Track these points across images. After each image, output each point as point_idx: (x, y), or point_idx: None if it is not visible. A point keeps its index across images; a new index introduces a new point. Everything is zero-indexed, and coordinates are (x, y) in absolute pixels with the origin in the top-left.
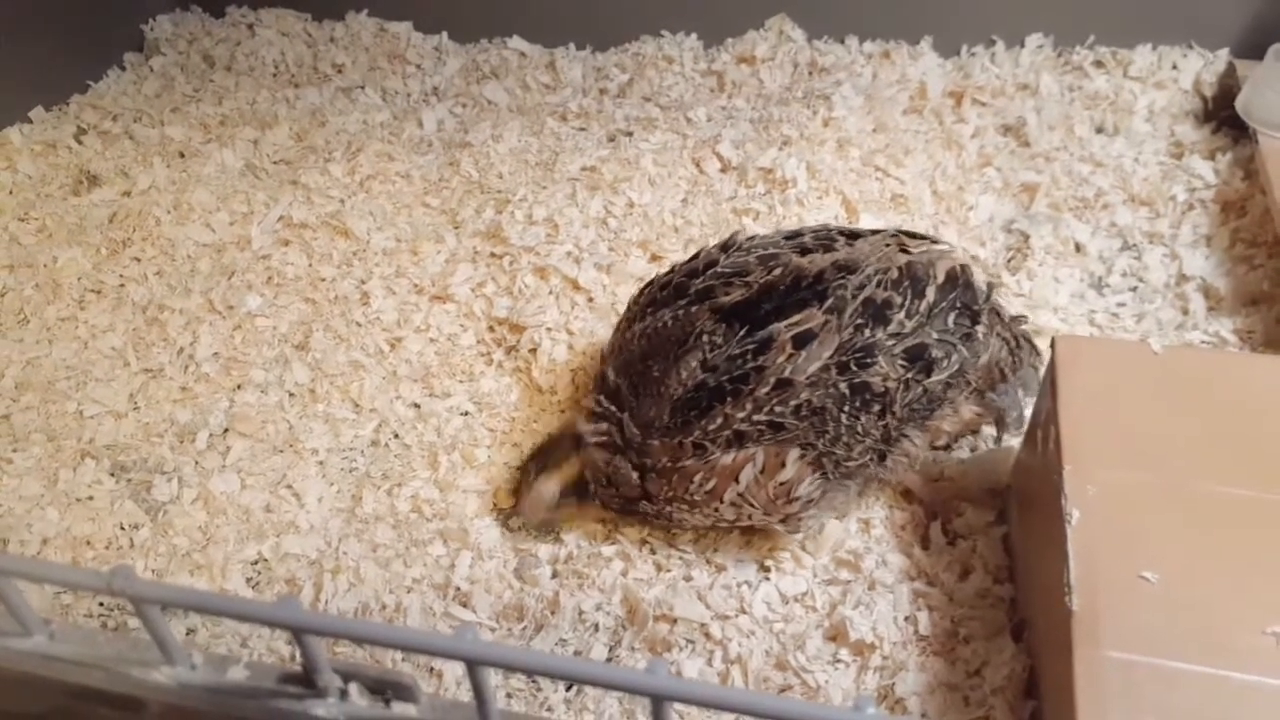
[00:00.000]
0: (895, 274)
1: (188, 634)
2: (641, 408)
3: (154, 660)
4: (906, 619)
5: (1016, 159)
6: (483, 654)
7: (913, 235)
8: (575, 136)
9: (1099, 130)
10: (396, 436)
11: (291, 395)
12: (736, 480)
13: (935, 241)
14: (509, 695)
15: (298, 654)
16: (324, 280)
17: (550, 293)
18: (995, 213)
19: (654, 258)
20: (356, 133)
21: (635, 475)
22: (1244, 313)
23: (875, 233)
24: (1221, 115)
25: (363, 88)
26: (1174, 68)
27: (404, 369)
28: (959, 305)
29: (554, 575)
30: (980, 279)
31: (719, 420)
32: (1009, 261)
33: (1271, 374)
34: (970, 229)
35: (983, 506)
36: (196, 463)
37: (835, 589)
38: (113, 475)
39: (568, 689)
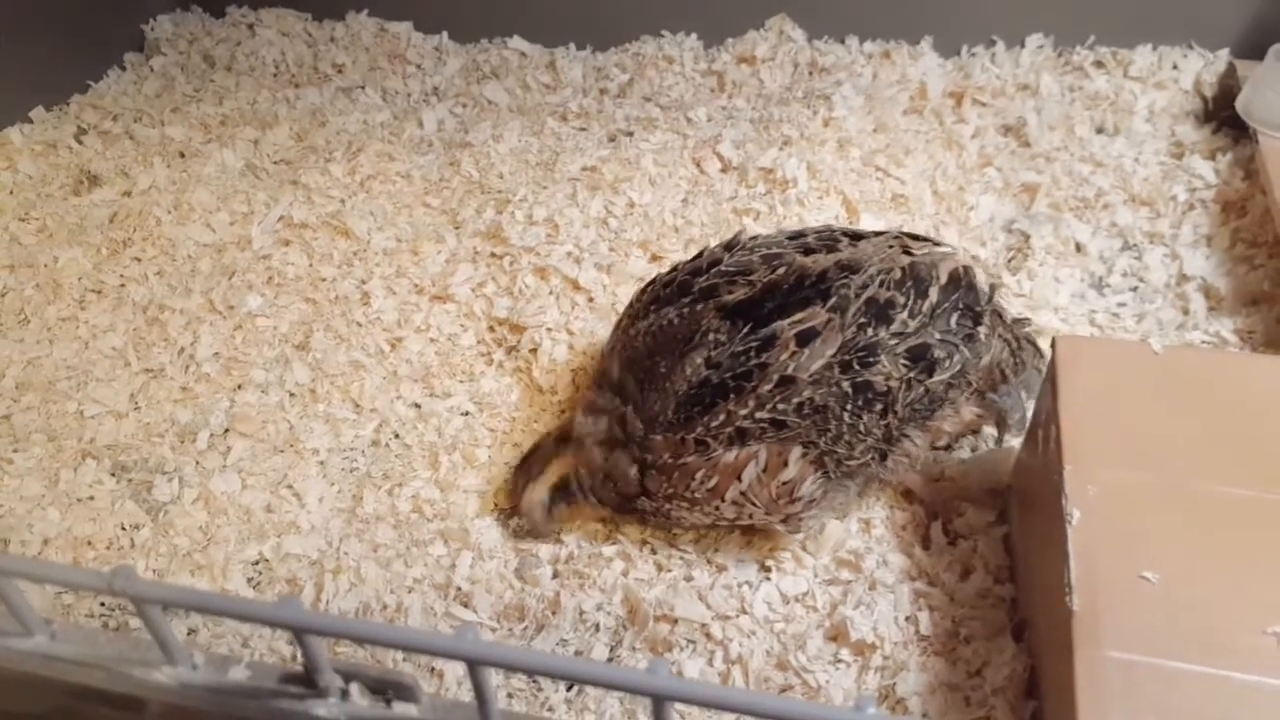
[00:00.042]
0: (898, 274)
1: (189, 634)
2: (646, 403)
3: (155, 660)
4: (907, 619)
5: (1017, 159)
6: (484, 654)
7: (915, 237)
8: (575, 136)
9: (1099, 130)
10: (397, 436)
11: (292, 395)
12: (739, 478)
13: (938, 244)
14: (510, 695)
15: (299, 654)
16: (324, 280)
17: (550, 293)
18: (996, 213)
19: (654, 258)
20: (357, 133)
21: (635, 471)
22: (1244, 313)
23: (878, 234)
24: (1222, 115)
25: (363, 88)
26: (1174, 68)
27: (404, 369)
28: (961, 306)
29: (555, 575)
30: (983, 280)
31: (722, 417)
32: (1009, 261)
33: (1272, 374)
34: (971, 229)
35: (983, 506)
36: (197, 463)
37: (836, 589)
38: (113, 475)
39: (569, 689)
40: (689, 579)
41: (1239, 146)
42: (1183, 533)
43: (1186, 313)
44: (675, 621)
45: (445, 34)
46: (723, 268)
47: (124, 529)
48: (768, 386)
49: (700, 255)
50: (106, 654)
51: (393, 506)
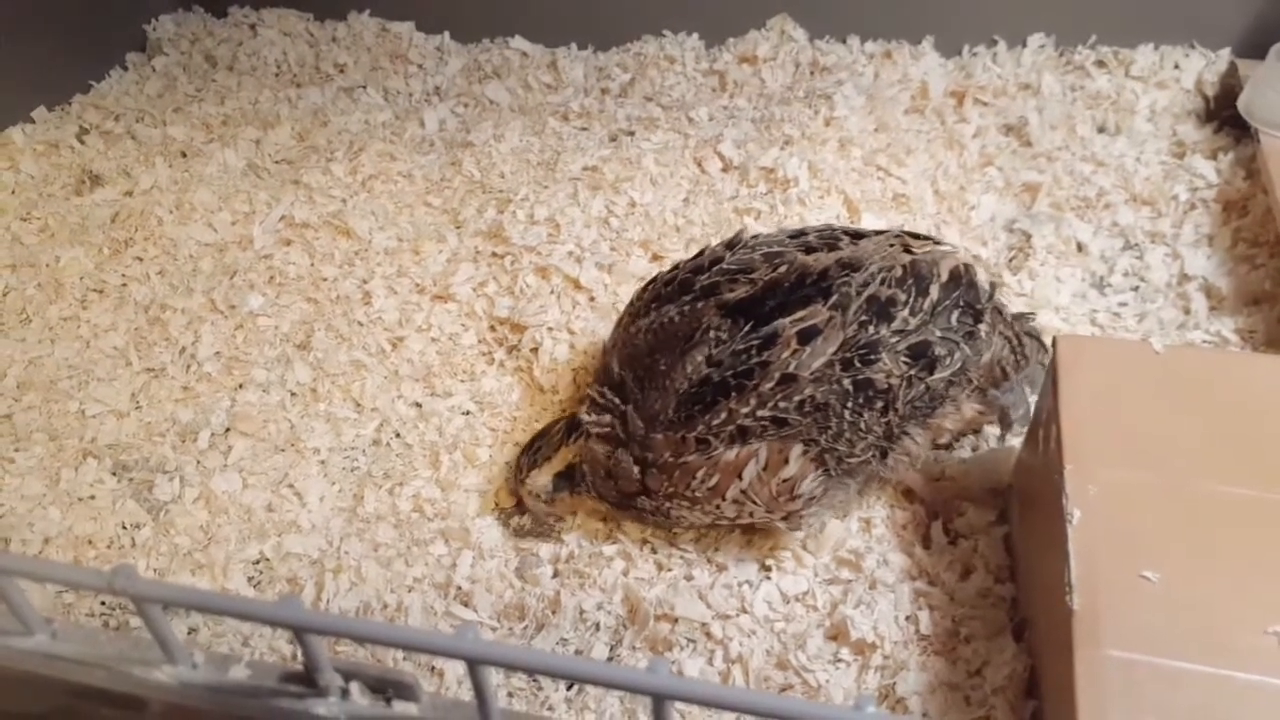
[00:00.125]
0: (899, 272)
1: (189, 633)
2: (646, 401)
3: (156, 659)
4: (907, 618)
5: (1018, 158)
6: (484, 653)
7: (916, 236)
8: (577, 136)
9: (1101, 130)
10: (398, 436)
11: (293, 394)
12: (740, 476)
13: (938, 243)
14: (510, 694)
15: (299, 653)
16: (326, 280)
17: (552, 292)
18: (997, 212)
19: (655, 257)
20: (358, 132)
21: (636, 469)
22: (1246, 312)
23: (879, 233)
24: (1223, 115)
25: (365, 87)
26: (1176, 67)
27: (405, 368)
28: (962, 304)
29: (555, 575)
30: (983, 278)
31: (723, 415)
32: (1011, 261)
33: (1273, 374)
34: (972, 228)
35: (984, 506)
36: (198, 462)
37: (836, 588)
38: (114, 474)
39: (569, 688)
40: (689, 578)
41: (1240, 146)
42: (1183, 532)
43: (1188, 312)
44: (675, 621)
45: (447, 34)
46: (724, 266)
47: (125, 528)
48: (769, 384)
49: (702, 254)
50: (107, 653)
51: (393, 506)
